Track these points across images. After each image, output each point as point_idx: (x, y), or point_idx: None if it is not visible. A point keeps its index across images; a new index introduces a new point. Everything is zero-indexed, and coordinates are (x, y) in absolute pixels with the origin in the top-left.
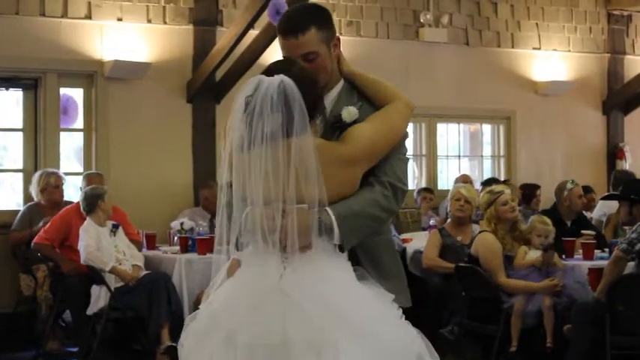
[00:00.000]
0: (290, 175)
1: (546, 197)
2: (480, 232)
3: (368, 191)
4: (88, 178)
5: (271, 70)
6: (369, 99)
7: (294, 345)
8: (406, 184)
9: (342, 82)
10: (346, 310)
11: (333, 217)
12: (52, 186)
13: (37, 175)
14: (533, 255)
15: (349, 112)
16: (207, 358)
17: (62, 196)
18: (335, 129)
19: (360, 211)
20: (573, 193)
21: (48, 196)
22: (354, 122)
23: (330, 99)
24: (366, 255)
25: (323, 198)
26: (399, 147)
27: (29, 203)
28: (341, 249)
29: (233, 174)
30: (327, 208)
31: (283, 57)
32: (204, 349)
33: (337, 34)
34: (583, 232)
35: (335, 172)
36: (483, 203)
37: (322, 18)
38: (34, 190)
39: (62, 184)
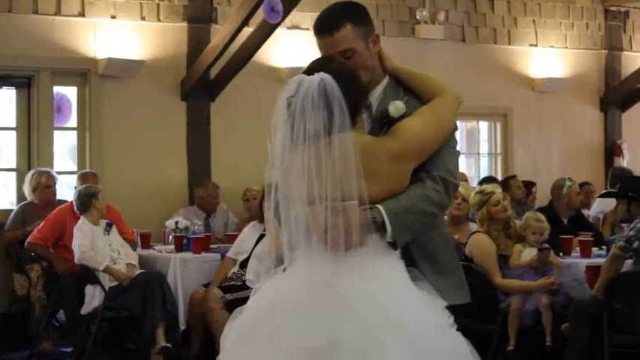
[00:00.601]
0: (332, 172)
1: (543, 195)
2: (472, 232)
3: (419, 187)
4: (83, 177)
5: (312, 69)
6: (415, 93)
7: (342, 345)
8: (457, 178)
9: (386, 79)
10: (395, 311)
11: (384, 214)
12: (44, 185)
13: (29, 174)
14: (529, 253)
15: (396, 107)
16: (250, 357)
17: (55, 195)
18: (383, 125)
19: (412, 207)
20: (572, 190)
21: (40, 196)
22: (402, 117)
23: (375, 96)
24: (420, 251)
25: (364, 194)
26: (449, 140)
27: (22, 203)
28: (394, 246)
29: (278, 175)
30: (378, 205)
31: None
32: (248, 346)
33: (375, 31)
34: (580, 233)
35: (384, 168)
36: (474, 204)
37: (358, 14)
38: (26, 190)
39: (54, 183)
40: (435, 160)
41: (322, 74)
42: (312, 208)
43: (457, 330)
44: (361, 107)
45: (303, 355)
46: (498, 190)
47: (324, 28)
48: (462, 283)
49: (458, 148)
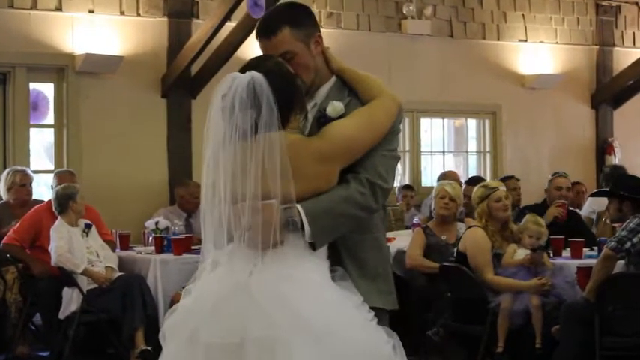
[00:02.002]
0: (256, 171)
1: (533, 193)
2: (469, 227)
3: (343, 188)
4: (59, 177)
5: (247, 66)
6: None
7: (250, 343)
8: (388, 182)
9: (333, 79)
10: (304, 310)
11: (302, 214)
12: (18, 184)
13: (4, 173)
14: (522, 253)
15: (334, 108)
16: (172, 356)
17: (30, 194)
18: (320, 125)
19: (332, 209)
20: (553, 184)
21: (14, 195)
22: (340, 118)
23: (320, 96)
24: (349, 253)
25: (290, 194)
26: (385, 143)
27: None
28: (312, 247)
29: (206, 173)
30: (297, 205)
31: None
32: (170, 345)
33: (319, 32)
34: (556, 202)
35: (310, 168)
36: (476, 197)
37: (297, 16)
38: (1, 189)
39: (30, 182)
40: (365, 163)
41: (253, 72)
42: (235, 206)
43: (377, 324)
44: (295, 107)
45: (218, 351)
46: (502, 187)
47: (262, 31)
48: (390, 290)
49: (437, 147)
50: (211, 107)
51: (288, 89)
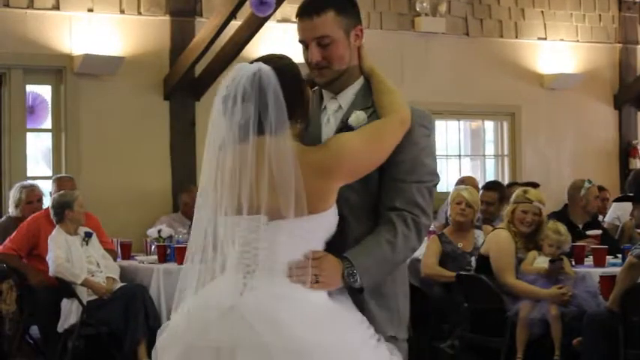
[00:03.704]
0: (261, 179)
1: (553, 199)
2: (494, 228)
3: (389, 232)
4: (58, 182)
5: (257, 60)
6: None
7: (240, 352)
8: (429, 215)
9: (361, 80)
10: (297, 330)
11: (357, 271)
12: (25, 202)
13: (13, 188)
14: (542, 262)
15: (357, 117)
16: None
17: (37, 210)
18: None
19: (383, 260)
20: (590, 192)
21: (21, 212)
22: None
23: (346, 99)
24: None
25: (302, 211)
26: (421, 173)
27: (5, 216)
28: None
29: (204, 176)
30: (350, 258)
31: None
32: None
33: (361, 25)
34: (589, 232)
35: (308, 180)
36: (513, 196)
37: (343, 2)
38: (10, 204)
39: (37, 199)
40: (403, 195)
41: (261, 64)
42: (242, 221)
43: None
44: (297, 113)
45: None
46: (538, 204)
47: (305, 10)
48: (405, 319)
49: (453, 151)
50: (214, 103)
51: (295, 91)
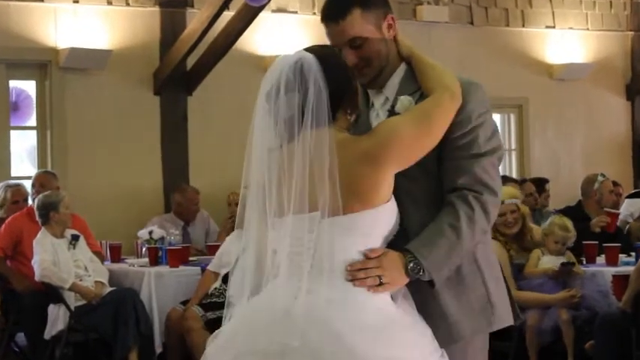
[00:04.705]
0: (310, 175)
1: (564, 194)
2: None
3: (452, 216)
4: (38, 178)
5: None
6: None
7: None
8: (496, 191)
9: (402, 66)
10: (352, 342)
11: (423, 263)
12: (10, 201)
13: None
14: (548, 261)
15: (402, 103)
16: None
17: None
18: None
19: (450, 250)
20: (604, 186)
21: (6, 213)
22: None
23: (391, 88)
24: None
25: (337, 207)
26: (476, 143)
27: None
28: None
29: (252, 179)
30: (413, 251)
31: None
32: None
33: (391, 12)
34: (607, 210)
35: (358, 170)
36: None
37: None
38: None
39: (23, 198)
40: (465, 172)
41: (303, 52)
42: (295, 221)
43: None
44: (345, 102)
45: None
46: (512, 200)
47: (328, 14)
48: (486, 306)
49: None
50: (257, 102)
51: (341, 79)
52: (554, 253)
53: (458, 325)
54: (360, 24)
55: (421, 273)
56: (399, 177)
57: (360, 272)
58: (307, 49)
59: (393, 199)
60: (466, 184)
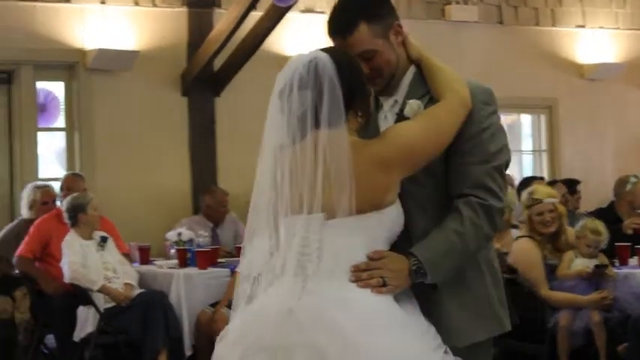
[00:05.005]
0: (318, 176)
1: (595, 195)
2: (517, 237)
3: (456, 221)
4: (66, 181)
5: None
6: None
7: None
8: (501, 197)
9: (412, 69)
10: (356, 338)
11: (425, 266)
12: (39, 202)
13: (26, 189)
14: (580, 264)
15: (411, 107)
16: None
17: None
18: None
19: (450, 251)
20: (637, 188)
21: (36, 214)
22: None
23: (401, 91)
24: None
25: (361, 208)
26: (480, 148)
27: (18, 219)
28: (434, 287)
29: (261, 177)
30: (416, 253)
31: None
32: None
33: (397, 19)
34: None
35: (366, 174)
36: (522, 202)
37: (372, 7)
38: (23, 206)
39: (52, 199)
40: (470, 178)
41: (318, 52)
42: (295, 220)
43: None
44: (357, 103)
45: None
46: (551, 199)
47: (334, 30)
48: (494, 313)
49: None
50: (271, 100)
51: (354, 81)
52: (587, 255)
53: (459, 331)
54: (367, 38)
55: (424, 276)
56: (405, 180)
57: (364, 273)
58: (322, 50)
59: (398, 201)
60: (472, 190)
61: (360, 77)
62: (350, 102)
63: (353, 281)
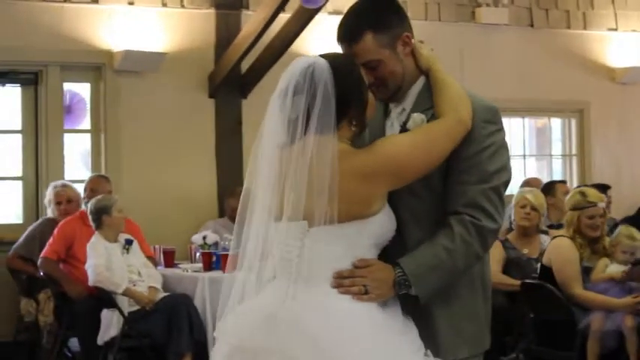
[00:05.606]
0: (302, 182)
1: (626, 201)
2: (554, 237)
3: (446, 237)
4: (91, 182)
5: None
6: None
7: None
8: (496, 219)
9: (422, 79)
10: (330, 347)
11: (410, 278)
12: (54, 202)
13: (49, 188)
14: (614, 269)
15: (414, 121)
16: None
17: (74, 211)
18: None
19: (437, 266)
20: None
21: (58, 214)
22: None
23: (409, 100)
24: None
25: (342, 216)
26: (478, 167)
27: (42, 218)
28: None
29: (255, 178)
30: (401, 264)
31: None
32: None
33: (407, 30)
34: None
35: (348, 183)
36: (570, 203)
37: (380, 17)
38: (46, 204)
39: (67, 199)
40: (466, 197)
41: (318, 58)
42: (280, 225)
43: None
44: (351, 113)
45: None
46: (602, 203)
47: (341, 37)
48: (480, 330)
49: (517, 150)
50: (271, 100)
51: (350, 89)
52: (622, 262)
53: (444, 346)
54: (372, 48)
55: (408, 288)
56: (403, 191)
57: (346, 280)
58: (323, 56)
59: (387, 208)
60: (466, 208)
61: (357, 86)
62: (345, 110)
63: (334, 287)
